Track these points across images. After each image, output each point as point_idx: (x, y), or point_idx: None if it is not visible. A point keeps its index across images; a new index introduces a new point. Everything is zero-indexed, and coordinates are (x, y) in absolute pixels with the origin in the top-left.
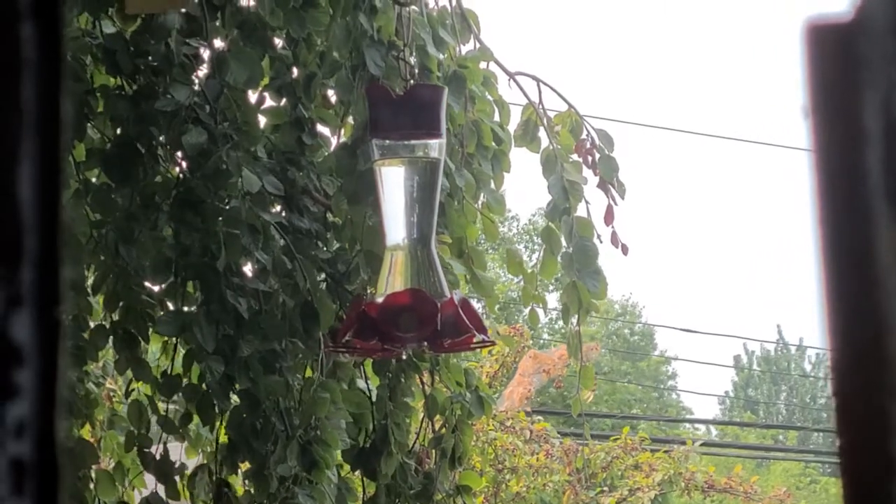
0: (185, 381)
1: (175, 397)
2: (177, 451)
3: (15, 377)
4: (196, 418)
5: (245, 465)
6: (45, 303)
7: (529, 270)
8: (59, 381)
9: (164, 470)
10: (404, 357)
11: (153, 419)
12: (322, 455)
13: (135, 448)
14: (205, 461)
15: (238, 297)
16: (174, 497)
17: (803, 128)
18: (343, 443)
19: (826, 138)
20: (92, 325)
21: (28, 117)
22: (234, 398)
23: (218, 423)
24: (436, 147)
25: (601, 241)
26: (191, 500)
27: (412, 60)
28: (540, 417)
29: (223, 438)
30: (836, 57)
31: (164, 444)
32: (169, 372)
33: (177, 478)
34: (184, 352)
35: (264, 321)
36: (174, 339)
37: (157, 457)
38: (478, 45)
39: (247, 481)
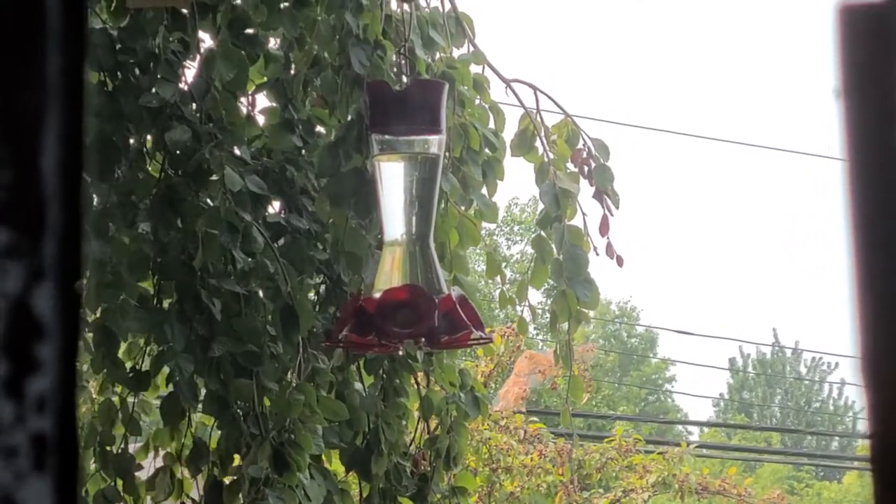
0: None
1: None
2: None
3: (37, 351)
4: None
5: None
6: (67, 276)
7: (520, 277)
8: (78, 356)
9: (122, 466)
10: (400, 353)
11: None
12: (294, 458)
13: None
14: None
15: (213, 297)
16: (132, 493)
17: (834, 109)
18: (317, 447)
19: (859, 119)
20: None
21: (52, 89)
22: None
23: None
24: (435, 143)
25: (598, 254)
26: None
27: (402, 61)
28: (535, 419)
29: (188, 440)
30: (869, 37)
31: (126, 438)
32: (139, 368)
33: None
34: (155, 352)
35: (238, 323)
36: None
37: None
38: (471, 49)
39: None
